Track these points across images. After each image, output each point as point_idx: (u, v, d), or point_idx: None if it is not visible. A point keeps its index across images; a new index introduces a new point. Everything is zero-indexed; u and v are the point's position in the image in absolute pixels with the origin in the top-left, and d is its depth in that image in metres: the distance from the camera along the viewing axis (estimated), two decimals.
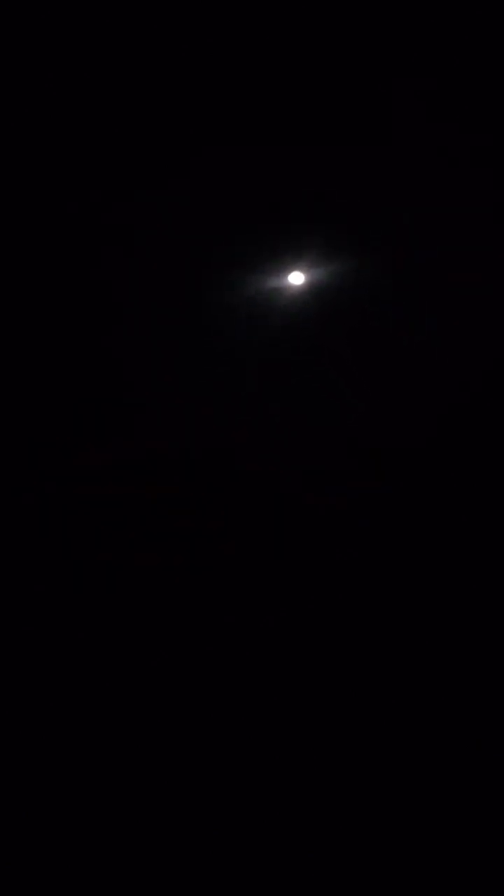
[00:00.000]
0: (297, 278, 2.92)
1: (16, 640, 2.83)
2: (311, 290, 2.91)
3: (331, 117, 2.79)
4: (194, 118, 2.82)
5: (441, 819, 2.45)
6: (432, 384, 3.00)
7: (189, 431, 3.03)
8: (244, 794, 2.53)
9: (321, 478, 3.02)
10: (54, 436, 3.04)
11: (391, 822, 2.45)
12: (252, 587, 2.92)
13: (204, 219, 2.92)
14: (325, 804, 2.50)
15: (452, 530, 2.93)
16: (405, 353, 2.98)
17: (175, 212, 2.91)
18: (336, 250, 2.91)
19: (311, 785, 2.54)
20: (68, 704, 2.72)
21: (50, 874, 2.37)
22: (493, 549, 2.91)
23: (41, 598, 2.89)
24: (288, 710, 2.70)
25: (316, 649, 2.82)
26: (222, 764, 2.59)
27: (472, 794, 2.50)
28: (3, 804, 2.52)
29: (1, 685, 2.75)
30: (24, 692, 2.74)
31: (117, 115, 2.84)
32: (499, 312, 2.92)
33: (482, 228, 2.85)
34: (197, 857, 2.40)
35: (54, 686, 2.75)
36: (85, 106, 2.82)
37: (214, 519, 3.00)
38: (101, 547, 2.97)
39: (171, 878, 2.37)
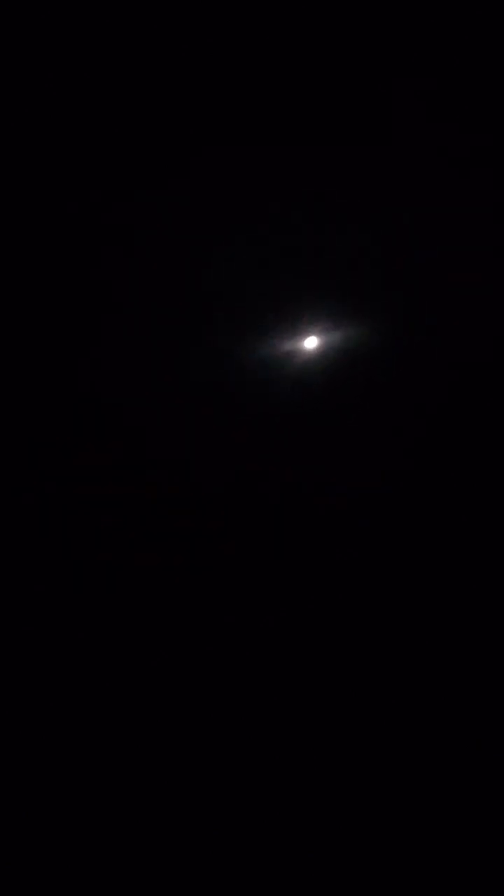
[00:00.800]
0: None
1: (16, 640, 2.83)
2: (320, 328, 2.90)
3: (330, 117, 2.79)
4: (194, 118, 2.82)
5: (441, 818, 2.46)
6: (433, 384, 2.99)
7: (189, 431, 3.03)
8: (244, 795, 2.53)
9: (321, 478, 3.02)
10: (54, 436, 3.04)
11: (391, 821, 2.46)
12: (252, 587, 2.93)
13: (203, 218, 2.92)
14: (324, 804, 2.51)
15: (453, 531, 2.93)
16: (407, 351, 2.98)
17: (175, 212, 2.91)
18: (334, 246, 2.91)
19: (310, 785, 2.55)
20: (69, 704, 2.72)
21: (50, 874, 2.38)
22: (494, 549, 2.91)
23: (41, 598, 2.89)
24: (288, 710, 2.70)
25: (316, 649, 2.82)
26: (222, 764, 2.60)
27: (473, 794, 2.51)
28: (4, 804, 2.52)
29: (1, 685, 2.75)
30: (25, 692, 2.75)
31: (117, 114, 2.83)
32: (500, 313, 2.91)
33: (482, 229, 2.85)
34: (197, 857, 2.40)
35: (55, 686, 2.75)
36: (84, 105, 2.82)
37: (214, 519, 3.00)
38: (101, 547, 2.97)
39: (171, 878, 2.37)
